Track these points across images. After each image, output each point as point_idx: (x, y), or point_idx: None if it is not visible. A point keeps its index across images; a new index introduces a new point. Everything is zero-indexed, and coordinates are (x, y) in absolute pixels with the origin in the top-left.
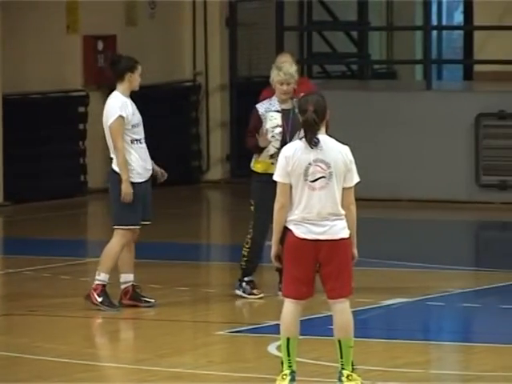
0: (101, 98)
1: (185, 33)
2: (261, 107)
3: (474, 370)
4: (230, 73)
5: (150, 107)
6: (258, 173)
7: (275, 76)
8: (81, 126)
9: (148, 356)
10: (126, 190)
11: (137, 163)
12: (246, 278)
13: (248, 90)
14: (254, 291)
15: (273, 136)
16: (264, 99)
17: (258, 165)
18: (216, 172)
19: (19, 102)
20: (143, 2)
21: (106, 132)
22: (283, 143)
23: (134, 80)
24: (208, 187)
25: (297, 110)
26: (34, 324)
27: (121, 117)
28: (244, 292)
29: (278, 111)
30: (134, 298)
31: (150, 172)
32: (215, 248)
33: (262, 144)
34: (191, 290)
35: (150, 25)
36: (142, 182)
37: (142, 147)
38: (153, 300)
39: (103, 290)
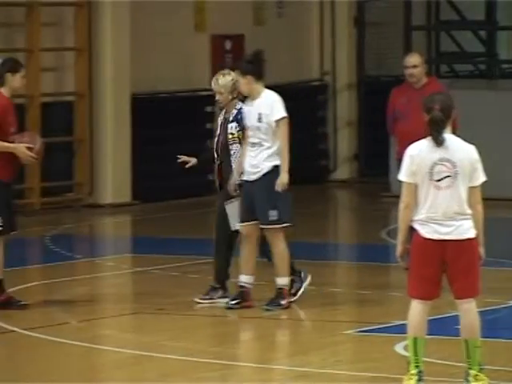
0: None
1: (312, 32)
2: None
3: None
4: (357, 72)
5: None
6: None
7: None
8: (208, 126)
9: (275, 355)
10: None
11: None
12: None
13: (376, 89)
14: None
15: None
16: (394, 98)
17: None
18: (343, 171)
19: (148, 101)
20: (271, 1)
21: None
22: (217, 152)
23: None
24: (335, 186)
25: (231, 118)
26: (162, 323)
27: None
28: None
29: (220, 120)
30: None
31: (250, 174)
32: (342, 247)
33: None
34: (318, 290)
35: (277, 24)
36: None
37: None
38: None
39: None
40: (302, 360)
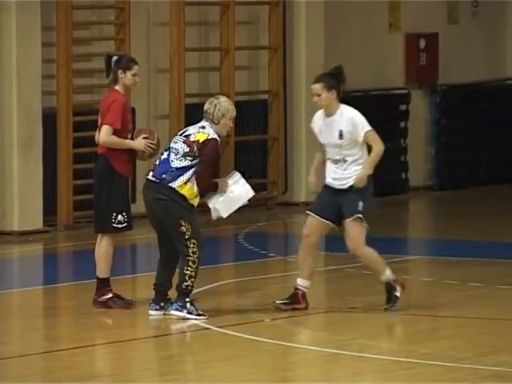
0: (422, 96)
1: (507, 31)
2: None
3: None
4: None
5: (473, 105)
6: (186, 198)
7: None
8: (402, 124)
9: (468, 354)
10: None
11: None
12: (188, 299)
13: None
14: (201, 312)
15: None
16: None
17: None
18: None
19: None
20: (466, 0)
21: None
22: None
23: None
24: None
25: None
26: (355, 321)
27: None
28: (190, 313)
29: None
30: None
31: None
32: None
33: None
34: (510, 289)
35: (472, 23)
36: None
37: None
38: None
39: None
40: (496, 359)
